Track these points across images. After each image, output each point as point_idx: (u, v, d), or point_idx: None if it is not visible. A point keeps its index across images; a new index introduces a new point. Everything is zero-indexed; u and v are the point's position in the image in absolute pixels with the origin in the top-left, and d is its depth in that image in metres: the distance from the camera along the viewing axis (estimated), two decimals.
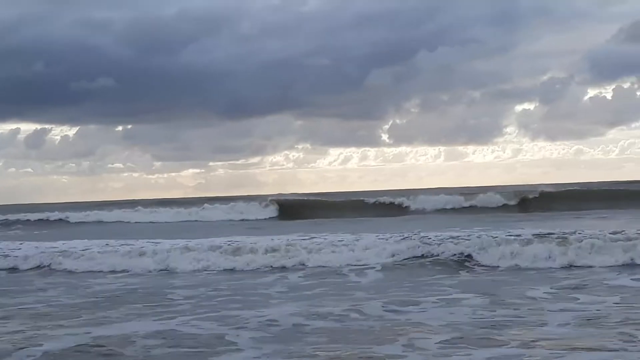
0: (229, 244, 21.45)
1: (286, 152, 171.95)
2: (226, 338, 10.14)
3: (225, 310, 12.54)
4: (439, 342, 9.35)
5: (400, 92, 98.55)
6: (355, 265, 18.45)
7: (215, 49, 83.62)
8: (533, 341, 9.24)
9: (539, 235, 20.01)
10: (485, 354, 8.63)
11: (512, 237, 19.73)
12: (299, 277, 17.23)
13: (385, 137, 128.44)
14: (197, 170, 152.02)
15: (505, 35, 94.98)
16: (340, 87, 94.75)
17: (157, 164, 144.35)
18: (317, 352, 9.03)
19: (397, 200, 48.55)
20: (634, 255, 17.33)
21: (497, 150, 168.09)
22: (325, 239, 22.26)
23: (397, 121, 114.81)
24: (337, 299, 13.37)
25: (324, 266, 18.59)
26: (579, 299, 12.64)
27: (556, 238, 19.14)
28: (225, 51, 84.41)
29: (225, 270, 19.03)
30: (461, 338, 9.59)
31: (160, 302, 13.84)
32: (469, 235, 21.20)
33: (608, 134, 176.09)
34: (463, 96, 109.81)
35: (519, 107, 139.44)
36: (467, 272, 17.29)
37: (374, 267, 18.08)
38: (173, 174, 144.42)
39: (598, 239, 18.58)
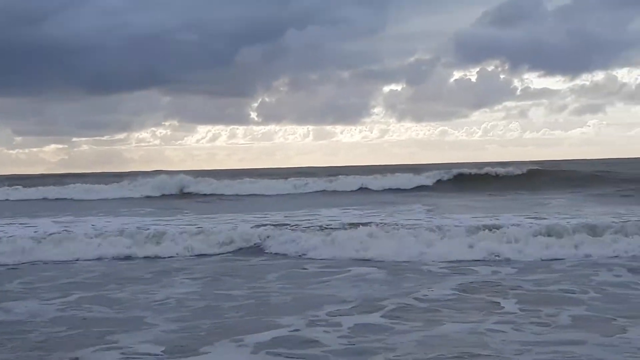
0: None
1: (153, 128, 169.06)
2: None
3: None
4: None
5: (269, 71, 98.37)
6: None
7: (79, 21, 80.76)
8: None
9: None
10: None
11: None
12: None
13: (254, 115, 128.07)
14: (60, 146, 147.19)
15: (374, 16, 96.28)
16: (209, 64, 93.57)
17: (18, 138, 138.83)
18: None
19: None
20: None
21: (365, 131, 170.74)
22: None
23: (266, 99, 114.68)
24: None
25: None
26: None
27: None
28: (90, 24, 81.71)
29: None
30: None
31: None
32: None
33: (472, 115, 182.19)
34: (332, 76, 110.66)
35: (386, 88, 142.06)
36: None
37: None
38: (35, 149, 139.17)
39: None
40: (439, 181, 43.17)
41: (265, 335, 8.98)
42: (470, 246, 16.28)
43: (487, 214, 22.97)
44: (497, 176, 43.47)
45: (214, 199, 38.24)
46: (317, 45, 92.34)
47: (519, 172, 43.72)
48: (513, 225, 18.08)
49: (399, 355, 8.00)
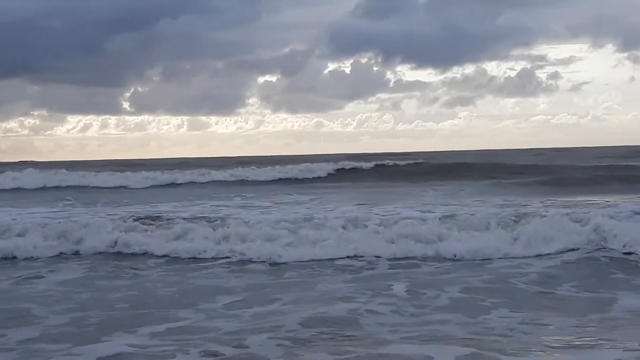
0: None
1: (21, 118, 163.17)
2: None
3: None
4: None
5: (142, 60, 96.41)
6: None
7: None
8: None
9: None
10: None
11: None
12: None
13: (126, 105, 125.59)
14: None
15: (249, 6, 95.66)
16: (79, 52, 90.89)
17: None
18: None
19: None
20: None
21: (240, 121, 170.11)
22: None
23: (139, 89, 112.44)
24: None
25: None
26: None
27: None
28: None
29: None
30: None
31: None
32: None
33: (346, 107, 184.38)
34: (206, 66, 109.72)
35: (261, 79, 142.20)
36: None
37: None
38: None
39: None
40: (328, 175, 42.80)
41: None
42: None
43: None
44: (394, 166, 44.03)
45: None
46: (191, 35, 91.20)
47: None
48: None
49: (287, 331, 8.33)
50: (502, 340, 7.90)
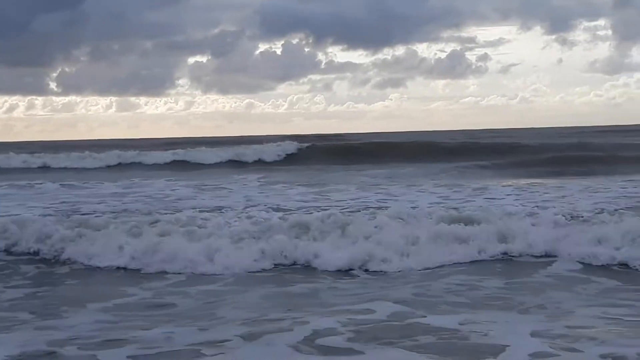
0: None
1: None
2: None
3: None
4: None
5: (69, 39, 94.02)
6: None
7: None
8: None
9: None
10: None
11: None
12: None
13: (53, 85, 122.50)
14: None
15: None
16: (3, 31, 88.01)
17: None
18: None
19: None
20: None
21: (170, 102, 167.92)
22: None
23: (66, 69, 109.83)
24: None
25: None
26: None
27: None
28: None
29: None
30: None
31: None
32: None
33: (278, 88, 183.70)
34: (135, 46, 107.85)
35: (191, 60, 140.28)
36: None
37: None
38: None
39: None
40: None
41: None
42: None
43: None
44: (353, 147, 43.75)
45: None
46: (119, 14, 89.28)
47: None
48: None
49: None
50: None
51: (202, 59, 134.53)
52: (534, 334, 7.25)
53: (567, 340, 7.06)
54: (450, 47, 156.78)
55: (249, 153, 41.93)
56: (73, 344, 7.30)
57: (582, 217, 13.46)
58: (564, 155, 35.32)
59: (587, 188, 20.72)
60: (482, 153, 38.49)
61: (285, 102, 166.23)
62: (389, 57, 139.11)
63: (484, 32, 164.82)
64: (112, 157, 41.08)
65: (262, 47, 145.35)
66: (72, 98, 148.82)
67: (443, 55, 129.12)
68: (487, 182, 24.38)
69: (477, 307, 8.54)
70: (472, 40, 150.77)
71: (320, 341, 7.17)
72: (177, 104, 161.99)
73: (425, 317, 8.04)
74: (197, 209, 16.62)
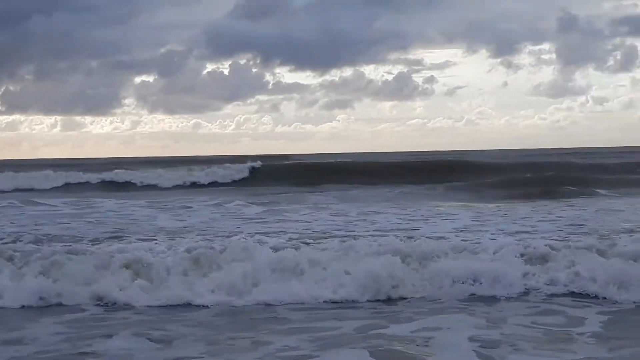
0: None
1: None
2: None
3: None
4: None
5: (13, 58, 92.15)
6: None
7: None
8: None
9: None
10: None
11: None
12: None
13: None
14: None
15: (125, 5, 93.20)
16: None
17: None
18: None
19: None
20: None
21: (116, 122, 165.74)
22: None
23: (11, 88, 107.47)
24: None
25: None
26: None
27: None
28: None
29: None
30: None
31: None
32: None
33: (225, 108, 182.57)
34: (81, 65, 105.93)
35: (137, 79, 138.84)
36: None
37: None
38: None
39: None
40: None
41: None
42: None
43: None
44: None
45: None
46: (65, 33, 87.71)
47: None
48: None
49: None
50: None
51: (149, 78, 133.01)
52: None
53: None
54: (397, 69, 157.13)
55: (201, 175, 41.70)
56: None
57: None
58: (511, 177, 35.82)
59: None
60: (433, 174, 38.73)
61: (233, 122, 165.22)
62: (337, 79, 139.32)
63: (430, 55, 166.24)
64: (59, 177, 40.48)
65: (210, 67, 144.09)
66: (17, 117, 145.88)
67: (390, 77, 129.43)
68: (440, 202, 24.49)
69: None
70: (418, 62, 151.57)
71: None
72: (123, 124, 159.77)
73: None
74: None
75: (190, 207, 23.67)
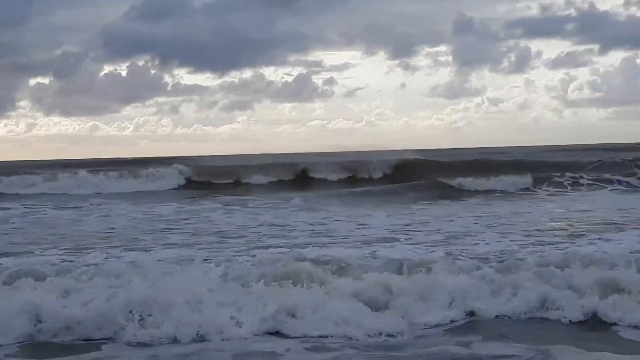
0: None
1: None
2: None
3: None
4: None
5: None
6: None
7: None
8: None
9: None
10: None
11: None
12: None
13: None
14: None
15: (19, 6, 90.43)
16: None
17: None
18: None
19: None
20: None
21: (11, 124, 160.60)
22: None
23: None
24: None
25: None
26: None
27: None
28: None
29: None
30: None
31: None
32: None
33: (123, 110, 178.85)
34: None
35: (32, 81, 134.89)
36: None
37: None
38: None
39: None
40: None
41: None
42: None
43: None
44: None
45: None
46: None
47: None
48: None
49: None
50: None
51: (45, 80, 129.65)
52: None
53: None
54: (297, 70, 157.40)
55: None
56: None
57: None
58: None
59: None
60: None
61: (131, 124, 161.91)
62: (236, 80, 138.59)
63: (330, 57, 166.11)
64: None
65: (107, 68, 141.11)
66: None
67: (290, 79, 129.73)
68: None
69: None
70: (318, 64, 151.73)
71: None
72: (17, 126, 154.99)
73: None
74: None
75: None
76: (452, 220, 20.40)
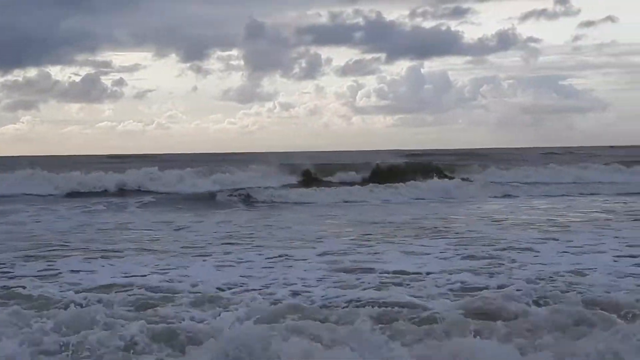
0: None
1: None
2: None
3: None
4: None
5: None
6: None
7: None
8: None
9: None
10: None
11: None
12: None
13: None
14: None
15: None
16: None
17: None
18: None
19: None
20: None
21: None
22: None
23: None
24: None
25: None
26: None
27: None
28: None
29: None
30: None
31: None
32: None
33: None
34: None
35: None
36: None
37: None
38: None
39: None
40: None
41: None
42: None
43: None
44: None
45: None
46: None
47: None
48: None
49: None
50: None
51: None
52: None
53: None
54: (85, 70, 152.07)
55: None
56: None
57: None
58: None
59: None
60: None
61: None
62: (20, 79, 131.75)
63: (119, 57, 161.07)
64: None
65: None
66: None
67: (78, 79, 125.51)
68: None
69: None
70: (107, 64, 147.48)
71: None
72: None
73: None
74: None
75: None
76: None
